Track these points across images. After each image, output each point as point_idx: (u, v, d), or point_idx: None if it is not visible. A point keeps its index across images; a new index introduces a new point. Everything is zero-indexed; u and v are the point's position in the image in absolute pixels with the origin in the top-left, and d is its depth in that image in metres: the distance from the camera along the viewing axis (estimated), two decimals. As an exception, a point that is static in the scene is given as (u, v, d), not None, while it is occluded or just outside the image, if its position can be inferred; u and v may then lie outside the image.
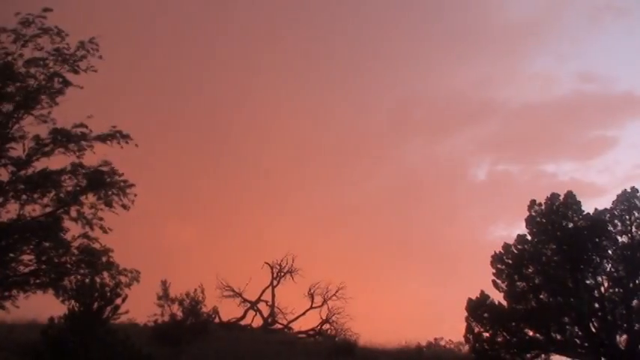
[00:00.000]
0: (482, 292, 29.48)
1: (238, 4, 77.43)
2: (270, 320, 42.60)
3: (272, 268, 43.48)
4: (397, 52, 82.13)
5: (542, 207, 29.46)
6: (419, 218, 73.37)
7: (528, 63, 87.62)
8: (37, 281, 23.18)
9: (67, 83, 23.66)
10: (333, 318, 41.90)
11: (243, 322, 42.11)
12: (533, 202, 29.70)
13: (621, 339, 27.71)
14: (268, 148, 73.21)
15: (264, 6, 77.24)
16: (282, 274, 43.38)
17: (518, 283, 29.17)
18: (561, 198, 29.30)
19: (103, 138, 24.20)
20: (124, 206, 24.21)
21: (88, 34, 24.33)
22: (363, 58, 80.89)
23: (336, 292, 42.17)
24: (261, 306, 43.21)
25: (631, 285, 27.78)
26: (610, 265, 28.36)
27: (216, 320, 37.84)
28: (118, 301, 19.75)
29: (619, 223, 28.46)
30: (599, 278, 28.27)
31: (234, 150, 71.03)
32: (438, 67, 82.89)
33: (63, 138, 23.54)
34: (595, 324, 28.06)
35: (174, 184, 65.89)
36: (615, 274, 28.13)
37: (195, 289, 30.17)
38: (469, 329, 29.15)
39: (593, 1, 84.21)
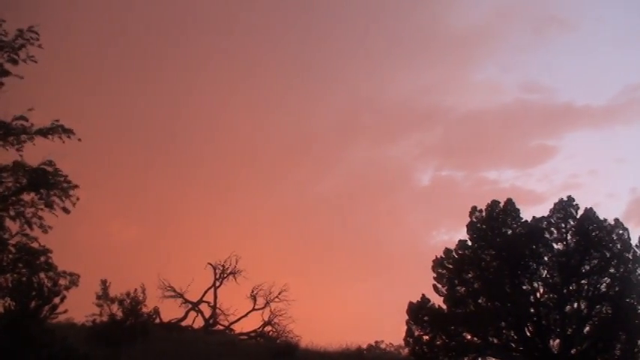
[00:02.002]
0: (423, 296, 29.80)
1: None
2: (211, 321, 42.32)
3: (215, 268, 43.27)
4: (345, 57, 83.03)
5: (483, 213, 29.94)
6: (363, 221, 74.28)
7: (473, 72, 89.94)
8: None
9: (4, 73, 22.80)
10: (275, 320, 41.99)
11: (184, 323, 41.77)
12: (474, 209, 30.13)
13: (554, 343, 28.35)
14: (213, 148, 73.00)
15: (212, 6, 76.89)
16: (225, 275, 43.21)
17: (458, 288, 29.56)
18: (501, 205, 29.85)
19: (44, 132, 23.43)
20: (65, 209, 23.54)
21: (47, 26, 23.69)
22: (312, 62, 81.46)
23: (279, 294, 42.34)
24: (203, 307, 42.97)
25: (565, 291, 28.44)
26: (546, 271, 28.93)
27: (157, 321, 37.33)
28: (56, 300, 19.37)
29: (555, 231, 29.04)
30: (535, 284, 28.83)
31: (178, 149, 70.47)
32: (386, 73, 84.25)
33: (0, 130, 22.76)
34: (530, 328, 28.72)
35: (117, 182, 64.96)
36: (550, 280, 28.74)
37: (136, 289, 29.64)
38: (409, 332, 29.45)
39: (538, 14, 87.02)
